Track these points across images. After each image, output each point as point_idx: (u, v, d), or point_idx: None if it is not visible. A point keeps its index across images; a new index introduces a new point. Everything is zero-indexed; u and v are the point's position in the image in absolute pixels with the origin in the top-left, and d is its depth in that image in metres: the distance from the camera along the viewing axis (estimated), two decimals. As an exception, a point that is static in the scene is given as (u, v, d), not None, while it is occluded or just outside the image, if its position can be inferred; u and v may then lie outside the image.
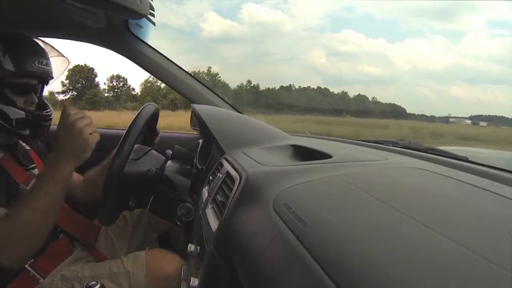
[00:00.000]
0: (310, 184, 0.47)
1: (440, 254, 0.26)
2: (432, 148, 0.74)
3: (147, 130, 1.00)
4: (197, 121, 1.03)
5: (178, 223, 0.83)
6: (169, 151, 0.97)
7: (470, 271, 0.24)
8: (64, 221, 0.85)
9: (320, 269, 0.27)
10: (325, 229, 0.33)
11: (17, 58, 0.76)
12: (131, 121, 0.79)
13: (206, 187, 0.77)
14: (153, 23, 1.02)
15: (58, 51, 0.94)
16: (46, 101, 0.85)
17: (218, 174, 0.70)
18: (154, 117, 0.94)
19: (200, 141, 1.01)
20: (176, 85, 1.18)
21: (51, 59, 0.83)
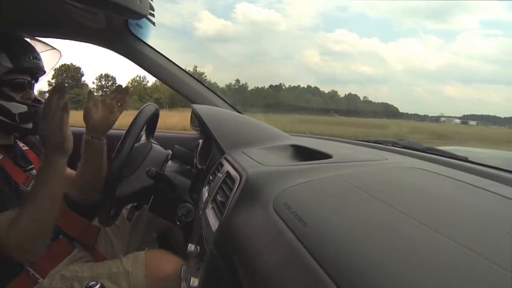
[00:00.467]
0: (310, 184, 0.47)
1: (440, 254, 0.26)
2: (432, 148, 0.74)
3: (146, 130, 1.00)
4: (197, 121, 1.03)
5: (178, 223, 0.83)
6: (169, 151, 0.96)
7: (470, 271, 0.24)
8: (64, 222, 0.84)
9: (320, 269, 0.27)
10: (325, 229, 0.33)
11: (13, 55, 0.77)
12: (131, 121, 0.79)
13: (206, 187, 0.77)
14: (153, 23, 1.02)
15: (48, 45, 0.94)
16: (38, 97, 0.86)
17: (218, 174, 0.70)
18: (154, 117, 0.94)
19: (200, 141, 1.01)
20: (176, 85, 1.18)
21: (41, 54, 0.84)
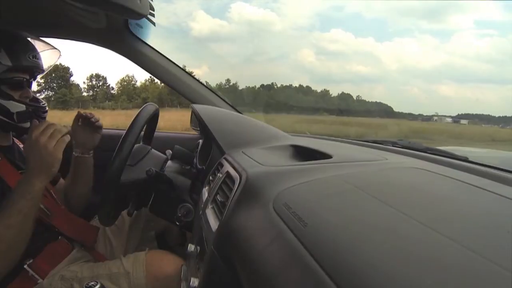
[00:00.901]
0: (310, 184, 0.47)
1: (440, 254, 0.26)
2: (432, 148, 0.74)
3: (146, 130, 1.00)
4: (197, 121, 1.03)
5: (178, 223, 0.83)
6: (169, 151, 0.96)
7: (470, 271, 0.24)
8: (62, 223, 0.84)
9: (320, 269, 0.27)
10: (325, 229, 0.33)
11: (13, 53, 0.77)
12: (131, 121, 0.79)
13: (206, 187, 0.77)
14: (153, 23, 1.02)
15: (49, 44, 0.94)
16: (36, 96, 0.86)
17: (218, 174, 0.70)
18: (154, 117, 0.94)
19: (200, 141, 1.01)
20: (176, 85, 1.18)
21: (40, 53, 0.85)
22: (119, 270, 0.79)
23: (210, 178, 0.78)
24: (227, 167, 0.66)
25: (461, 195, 0.41)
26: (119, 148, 0.74)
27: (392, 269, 0.25)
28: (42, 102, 0.86)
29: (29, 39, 0.86)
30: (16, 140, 0.89)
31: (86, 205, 0.99)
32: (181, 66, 1.21)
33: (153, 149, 0.94)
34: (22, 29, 0.87)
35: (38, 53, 0.83)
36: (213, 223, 0.55)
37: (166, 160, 0.92)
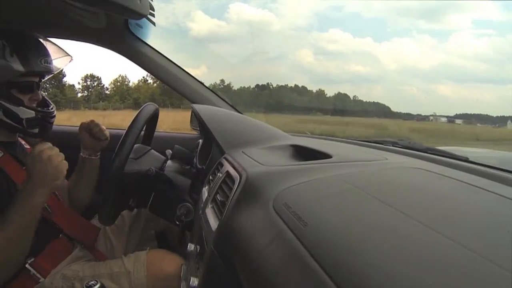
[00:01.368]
0: (310, 184, 0.47)
1: (440, 254, 0.26)
2: (432, 148, 0.74)
3: (146, 130, 1.00)
4: (197, 121, 1.03)
5: (178, 223, 0.83)
6: (169, 151, 0.97)
7: (470, 271, 0.24)
8: (63, 221, 0.85)
9: (320, 269, 0.27)
10: (325, 229, 0.33)
11: (25, 58, 0.77)
12: (131, 121, 0.79)
13: (206, 187, 0.77)
14: (153, 23, 1.02)
15: (63, 50, 0.94)
16: (46, 97, 0.86)
17: (218, 174, 0.70)
18: (154, 117, 0.94)
19: (200, 141, 1.01)
20: (176, 85, 1.18)
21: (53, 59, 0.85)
22: (120, 270, 0.80)
23: (210, 177, 0.78)
24: (227, 167, 0.66)
25: (461, 195, 0.41)
26: (119, 148, 0.74)
27: (392, 269, 0.25)
28: (51, 105, 0.86)
29: (41, 40, 0.86)
30: (20, 138, 0.89)
31: (88, 204, 1.00)
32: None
33: (152, 150, 0.94)
34: (21, 29, 0.87)
35: (50, 56, 0.83)
36: (213, 223, 0.55)
37: (166, 160, 0.92)
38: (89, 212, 0.97)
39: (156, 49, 1.17)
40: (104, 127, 0.96)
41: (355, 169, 0.55)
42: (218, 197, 0.60)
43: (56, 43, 0.94)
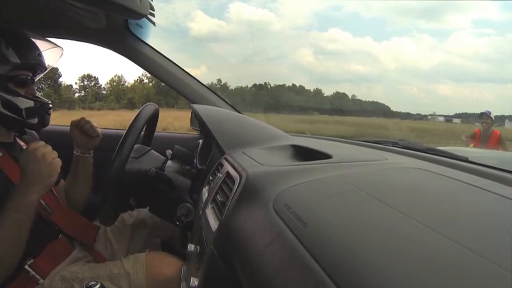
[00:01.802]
0: (310, 184, 0.47)
1: (440, 254, 0.26)
2: (432, 148, 0.74)
3: (146, 130, 1.00)
4: (197, 121, 1.03)
5: (178, 223, 0.83)
6: (169, 151, 0.97)
7: (470, 271, 0.24)
8: (62, 221, 0.85)
9: (320, 269, 0.27)
10: (325, 229, 0.33)
11: (20, 51, 0.79)
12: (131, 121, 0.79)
13: (206, 187, 0.77)
14: (153, 23, 1.02)
15: (51, 42, 0.95)
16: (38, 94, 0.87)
17: (218, 174, 0.70)
18: (154, 117, 0.94)
19: (200, 141, 1.01)
20: (176, 85, 1.18)
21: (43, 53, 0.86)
22: (120, 271, 0.79)
23: (210, 178, 0.78)
24: (227, 167, 0.66)
25: (461, 195, 0.41)
26: (120, 148, 0.74)
27: (392, 269, 0.25)
28: (45, 100, 0.87)
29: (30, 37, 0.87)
30: (18, 139, 0.89)
31: (86, 204, 1.00)
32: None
33: (152, 150, 0.94)
34: (21, 29, 0.87)
35: (41, 51, 0.85)
36: (213, 223, 0.55)
37: (166, 160, 0.92)
38: (89, 212, 0.97)
39: (156, 49, 1.17)
40: (95, 124, 0.96)
41: (355, 169, 0.55)
42: (218, 197, 0.60)
43: (47, 39, 0.94)
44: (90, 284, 0.69)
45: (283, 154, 0.75)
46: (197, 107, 0.99)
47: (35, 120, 0.81)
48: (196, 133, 1.32)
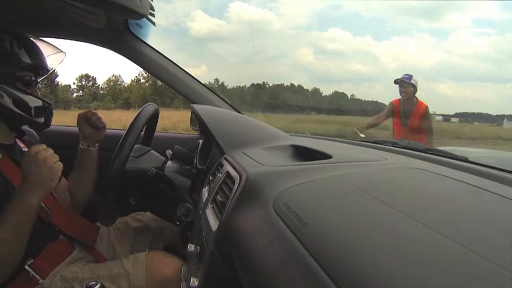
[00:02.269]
0: (310, 184, 0.47)
1: (440, 254, 0.26)
2: (432, 148, 0.74)
3: (146, 130, 1.00)
4: (197, 121, 1.03)
5: (178, 223, 0.83)
6: (169, 151, 0.97)
7: (470, 271, 0.24)
8: (62, 222, 0.85)
9: (320, 269, 0.27)
10: (325, 229, 0.33)
11: (31, 52, 0.81)
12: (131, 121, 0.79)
13: (206, 187, 0.77)
14: (153, 23, 1.02)
15: (55, 47, 0.96)
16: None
17: (218, 174, 0.70)
18: (154, 117, 0.94)
19: (200, 141, 1.01)
20: (176, 85, 1.18)
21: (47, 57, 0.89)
22: (120, 271, 0.79)
23: (210, 178, 0.78)
24: (227, 167, 0.66)
25: (461, 195, 0.41)
26: (120, 148, 0.74)
27: (392, 269, 0.25)
28: (49, 101, 0.89)
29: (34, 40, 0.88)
30: (18, 141, 0.89)
31: (88, 204, 1.00)
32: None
33: (152, 150, 0.94)
34: (22, 29, 0.87)
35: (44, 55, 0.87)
36: (213, 223, 0.55)
37: (166, 160, 0.92)
38: (89, 212, 0.97)
39: (156, 49, 1.17)
40: (101, 116, 0.97)
41: (355, 170, 0.55)
42: (218, 197, 0.60)
43: (49, 42, 0.95)
44: (90, 284, 0.69)
45: (283, 154, 0.75)
46: (197, 107, 0.99)
47: (42, 120, 0.83)
48: (196, 133, 1.32)
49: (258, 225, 0.42)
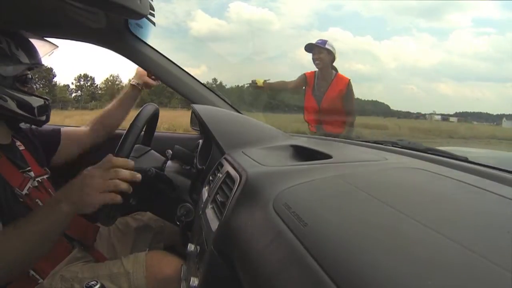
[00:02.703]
0: (310, 184, 0.47)
1: (440, 254, 0.26)
2: (432, 148, 0.74)
3: (146, 130, 1.00)
4: (197, 121, 1.03)
5: (178, 223, 0.83)
6: (169, 151, 0.97)
7: (470, 271, 0.24)
8: None
9: (320, 269, 0.27)
10: (325, 229, 0.33)
11: (29, 51, 0.82)
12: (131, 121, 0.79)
13: (206, 187, 0.77)
14: (153, 23, 1.02)
15: (47, 41, 0.95)
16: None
17: (218, 174, 0.70)
18: (154, 117, 0.94)
19: (200, 141, 1.01)
20: (176, 85, 1.18)
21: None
22: (119, 270, 0.79)
23: (210, 178, 0.78)
24: (227, 167, 0.66)
25: (461, 195, 0.41)
26: (120, 148, 0.74)
27: (392, 269, 0.25)
28: (46, 97, 0.89)
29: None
30: (17, 142, 0.89)
31: None
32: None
33: (152, 150, 0.94)
34: (21, 29, 0.87)
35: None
36: (213, 223, 0.55)
37: (166, 160, 0.92)
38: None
39: (156, 49, 1.17)
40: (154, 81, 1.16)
41: (355, 169, 0.55)
42: (218, 197, 0.60)
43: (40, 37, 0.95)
44: (90, 283, 0.69)
45: (283, 154, 0.75)
46: (197, 107, 0.99)
47: (44, 117, 0.84)
48: (196, 133, 1.32)
49: (258, 225, 0.42)
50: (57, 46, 0.97)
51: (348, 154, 0.70)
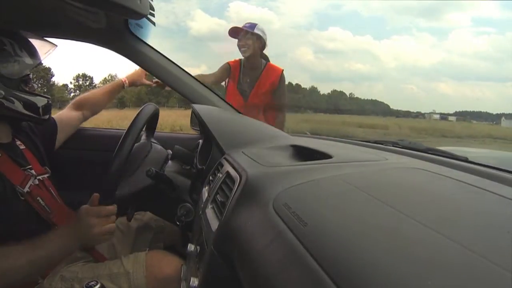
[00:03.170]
0: (310, 184, 0.47)
1: (440, 254, 0.26)
2: (432, 148, 0.74)
3: (146, 130, 1.00)
4: (197, 121, 1.03)
5: (178, 223, 0.83)
6: (169, 151, 0.97)
7: (470, 271, 0.24)
8: (62, 221, 0.84)
9: (320, 269, 0.27)
10: (325, 229, 0.33)
11: (31, 51, 0.82)
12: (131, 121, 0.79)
13: (206, 187, 0.77)
14: (153, 23, 1.02)
15: (46, 40, 0.95)
16: None
17: (218, 174, 0.70)
18: (154, 117, 0.94)
19: (200, 141, 1.01)
20: (176, 85, 1.18)
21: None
22: (119, 270, 0.79)
23: (210, 178, 0.78)
24: (227, 167, 0.66)
25: (461, 195, 0.41)
26: (119, 148, 0.74)
27: (392, 269, 0.25)
28: (46, 95, 0.90)
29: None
30: (17, 141, 0.89)
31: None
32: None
33: (154, 144, 0.94)
34: (21, 29, 0.87)
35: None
36: (213, 223, 0.55)
37: (166, 160, 0.92)
38: None
39: (156, 49, 1.17)
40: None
41: (355, 170, 0.55)
42: (218, 197, 0.60)
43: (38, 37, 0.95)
44: (90, 283, 0.69)
45: (283, 154, 0.75)
46: (197, 107, 0.99)
47: (47, 116, 0.85)
48: (196, 133, 1.32)
49: (258, 225, 0.42)
50: (56, 46, 0.97)
51: (348, 154, 0.70)
